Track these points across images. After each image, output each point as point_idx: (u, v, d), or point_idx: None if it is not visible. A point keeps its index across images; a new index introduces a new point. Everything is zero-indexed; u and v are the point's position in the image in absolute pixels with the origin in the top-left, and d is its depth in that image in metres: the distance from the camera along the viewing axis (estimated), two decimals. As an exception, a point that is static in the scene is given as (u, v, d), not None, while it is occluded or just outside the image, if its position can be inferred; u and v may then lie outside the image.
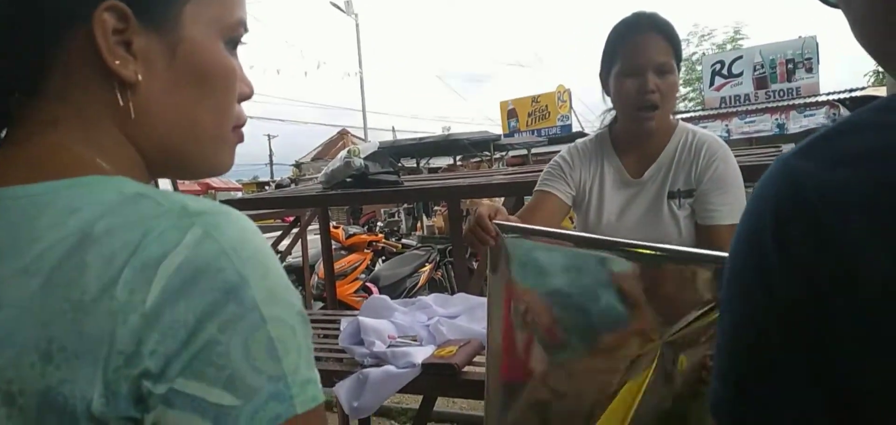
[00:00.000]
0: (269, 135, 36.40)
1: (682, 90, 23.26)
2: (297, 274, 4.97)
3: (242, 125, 0.64)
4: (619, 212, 1.71)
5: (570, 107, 16.95)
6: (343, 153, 3.52)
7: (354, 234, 6.82)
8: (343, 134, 26.60)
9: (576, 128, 16.08)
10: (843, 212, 0.45)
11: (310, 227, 4.50)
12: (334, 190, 3.35)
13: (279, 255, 4.39)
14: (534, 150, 10.84)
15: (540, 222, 1.74)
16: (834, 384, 0.46)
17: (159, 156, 0.58)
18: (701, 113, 13.34)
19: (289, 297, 0.49)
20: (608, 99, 1.72)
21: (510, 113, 17.68)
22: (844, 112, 10.66)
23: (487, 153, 9.77)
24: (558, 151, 1.89)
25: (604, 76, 1.70)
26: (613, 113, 1.74)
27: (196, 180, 0.63)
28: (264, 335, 0.46)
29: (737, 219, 1.17)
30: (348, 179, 3.31)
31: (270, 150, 36.64)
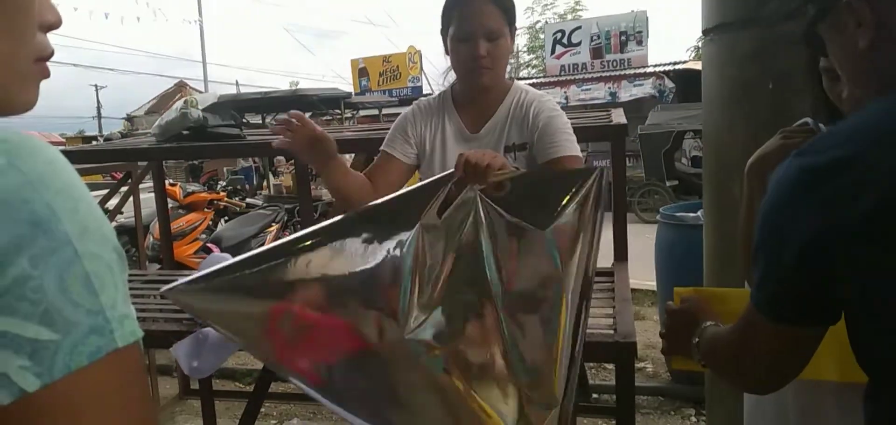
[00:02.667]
0: (96, 86, 33.39)
1: (526, 57, 24.20)
2: (130, 234, 4.64)
3: (47, 57, 0.57)
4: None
5: (421, 68, 17.05)
6: (179, 104, 3.29)
7: (193, 192, 6.46)
8: (180, 86, 24.86)
9: (426, 90, 16.21)
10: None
11: (143, 185, 4.20)
12: (169, 143, 3.14)
13: (108, 215, 4.06)
14: (385, 111, 10.82)
15: (384, 185, 1.83)
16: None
17: None
18: (542, 79, 13.95)
19: (104, 231, 0.47)
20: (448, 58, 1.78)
21: (361, 71, 17.46)
22: (669, 83, 11.62)
23: (338, 111, 9.60)
24: None
25: (444, 35, 1.76)
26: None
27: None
28: (80, 269, 0.44)
29: (576, 152, 1.61)
30: (185, 132, 3.11)
31: (98, 102, 33.69)
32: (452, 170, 1.44)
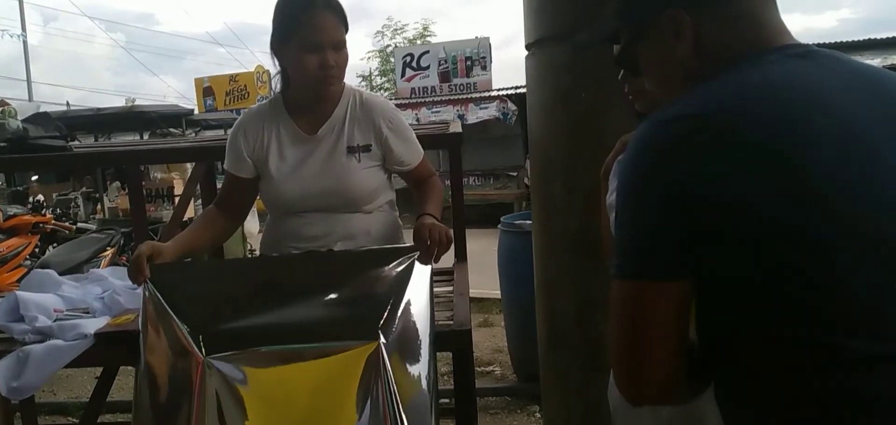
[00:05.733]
0: None
1: (379, 80, 24.39)
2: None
3: None
4: (297, 165, 1.85)
5: (270, 87, 16.65)
6: (-5, 114, 3.02)
7: (15, 215, 5.89)
8: (2, 104, 22.49)
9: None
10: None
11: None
12: (-16, 156, 2.87)
13: None
14: (230, 130, 10.43)
15: (238, 205, 1.96)
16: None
17: None
18: (395, 101, 14.14)
19: None
20: (277, 64, 1.84)
21: (206, 90, 16.77)
22: (512, 105, 12.22)
23: (179, 129, 9.15)
24: None
25: (276, 45, 1.80)
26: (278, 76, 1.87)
27: None
28: None
29: (420, 154, 1.81)
30: (2, 144, 2.87)
31: None
32: (411, 244, 1.64)
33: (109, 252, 5.76)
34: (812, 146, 0.78)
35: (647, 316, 0.84)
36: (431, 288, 1.61)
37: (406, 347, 1.51)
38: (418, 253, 1.62)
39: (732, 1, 0.92)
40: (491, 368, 4.35)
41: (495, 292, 4.48)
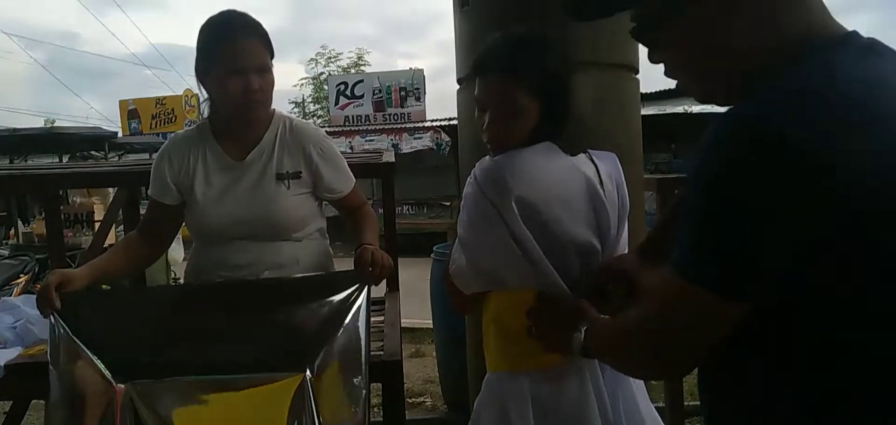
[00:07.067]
0: None
1: (312, 107, 24.22)
2: None
3: None
4: (223, 192, 1.82)
5: (199, 112, 16.31)
6: None
7: (-84, 242, 5.54)
8: None
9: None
10: None
11: None
12: None
13: None
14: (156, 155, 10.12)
15: (159, 232, 1.93)
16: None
17: None
18: (328, 129, 14.07)
19: None
20: (204, 90, 1.81)
21: (131, 113, 16.25)
22: (445, 136, 12.34)
23: (102, 152, 8.81)
24: None
25: (201, 71, 1.78)
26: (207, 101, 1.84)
27: None
28: None
29: (352, 183, 1.78)
30: None
31: None
32: (353, 270, 1.64)
33: (23, 279, 5.49)
34: None
35: (705, 327, 0.81)
36: (368, 317, 1.61)
37: (337, 379, 1.50)
38: (361, 279, 1.62)
39: None
40: (422, 399, 4.33)
41: (428, 322, 4.47)
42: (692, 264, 0.78)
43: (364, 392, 1.49)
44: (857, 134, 0.69)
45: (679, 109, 9.72)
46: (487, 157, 1.37)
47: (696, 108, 8.97)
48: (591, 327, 1.15)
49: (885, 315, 0.73)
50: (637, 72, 2.15)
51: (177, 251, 5.87)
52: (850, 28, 0.82)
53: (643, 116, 2.20)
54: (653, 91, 9.21)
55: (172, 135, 1.92)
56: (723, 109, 0.81)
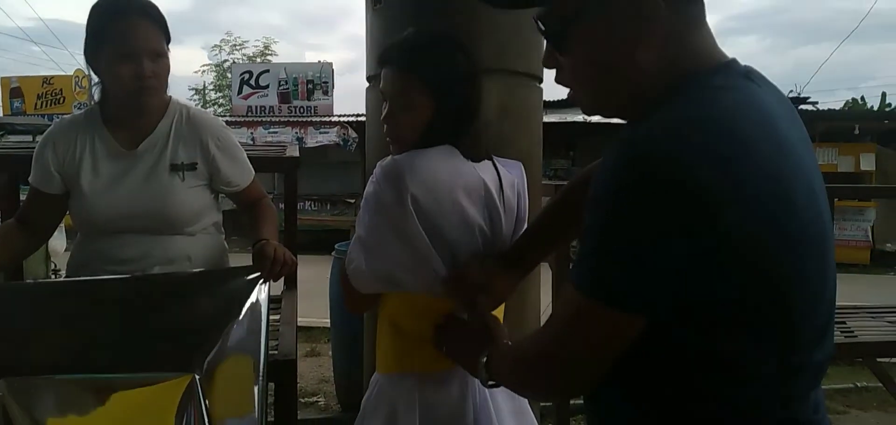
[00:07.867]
0: None
1: (213, 95, 23.39)
2: None
3: None
4: (112, 182, 1.72)
5: (90, 95, 15.37)
6: None
7: None
8: None
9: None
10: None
11: None
12: None
13: None
14: (40, 138, 9.45)
15: (40, 222, 1.82)
16: None
17: None
18: (229, 118, 13.62)
19: None
20: (94, 75, 1.71)
21: (14, 92, 15.11)
22: (352, 132, 12.23)
23: (-25, 133, 8.16)
24: None
25: (90, 52, 1.68)
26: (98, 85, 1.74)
27: None
28: None
29: (251, 175, 1.71)
30: None
31: None
32: (250, 265, 1.60)
33: None
34: (794, 190, 0.78)
35: (606, 341, 0.84)
36: (267, 315, 1.56)
37: (231, 378, 1.46)
38: (260, 275, 1.58)
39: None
40: (315, 399, 4.27)
41: (325, 321, 4.42)
42: (590, 280, 0.82)
43: (258, 391, 1.45)
44: (732, 162, 0.74)
45: (579, 118, 10.08)
46: (390, 157, 1.38)
47: (595, 118, 9.32)
48: (495, 352, 1.15)
49: (751, 332, 0.80)
50: (541, 80, 2.21)
51: (58, 241, 5.51)
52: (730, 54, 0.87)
53: (545, 123, 2.26)
54: (554, 99, 9.50)
55: (58, 118, 1.80)
56: (608, 119, 0.85)
